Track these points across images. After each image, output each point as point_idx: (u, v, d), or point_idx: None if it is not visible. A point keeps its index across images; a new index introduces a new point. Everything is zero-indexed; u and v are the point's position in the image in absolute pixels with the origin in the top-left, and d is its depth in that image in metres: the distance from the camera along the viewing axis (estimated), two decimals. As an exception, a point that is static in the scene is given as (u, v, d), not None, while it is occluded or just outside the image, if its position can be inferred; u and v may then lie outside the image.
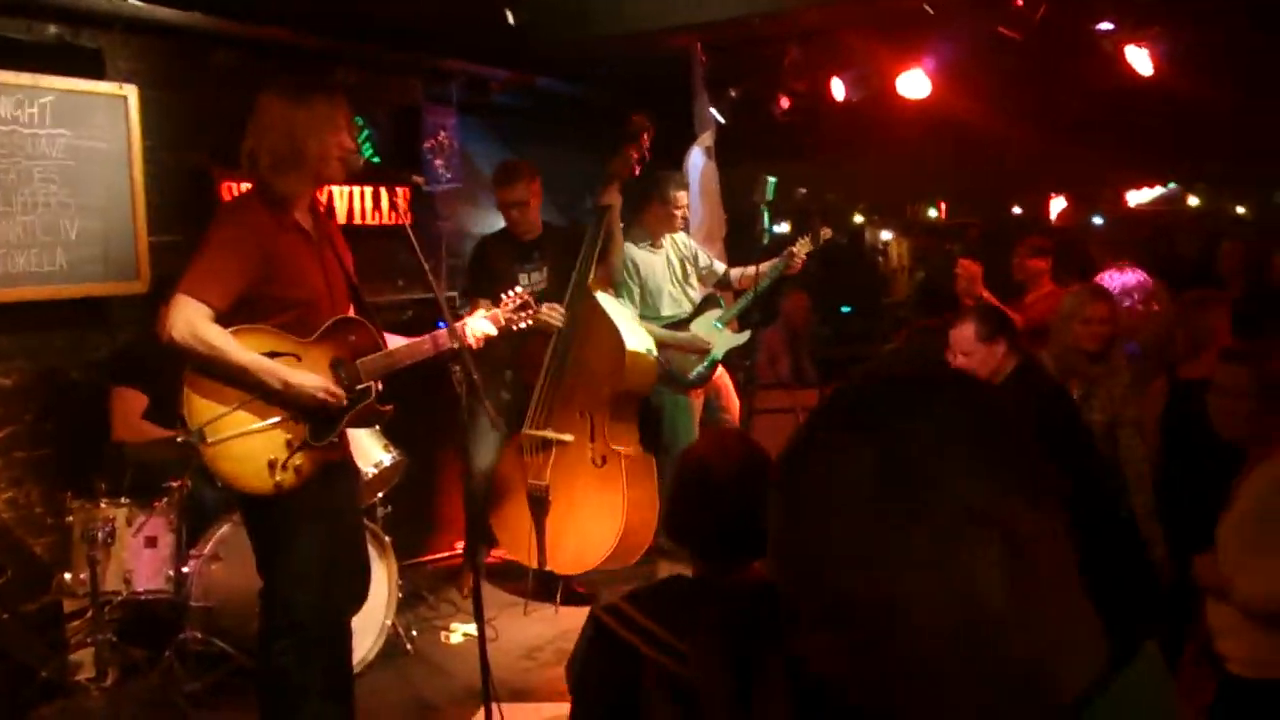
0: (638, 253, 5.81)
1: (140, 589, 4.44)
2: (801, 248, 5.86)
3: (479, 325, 3.83)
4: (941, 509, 0.83)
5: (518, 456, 5.52)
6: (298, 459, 3.32)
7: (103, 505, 4.43)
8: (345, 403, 3.39)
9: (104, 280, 5.08)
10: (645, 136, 5.40)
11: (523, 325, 4.13)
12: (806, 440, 0.89)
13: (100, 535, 4.33)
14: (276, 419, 3.31)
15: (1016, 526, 0.83)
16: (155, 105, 5.34)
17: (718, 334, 5.89)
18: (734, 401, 6.22)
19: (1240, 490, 3.08)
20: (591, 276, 5.39)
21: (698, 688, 2.03)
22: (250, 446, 3.28)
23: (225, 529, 4.58)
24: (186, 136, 5.56)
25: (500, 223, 5.80)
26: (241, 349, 3.23)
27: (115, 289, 5.13)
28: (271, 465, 3.28)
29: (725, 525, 2.16)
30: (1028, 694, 0.83)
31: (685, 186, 5.93)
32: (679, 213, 5.84)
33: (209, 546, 4.54)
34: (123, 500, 4.47)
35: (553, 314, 5.27)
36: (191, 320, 3.17)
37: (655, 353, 5.50)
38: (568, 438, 5.40)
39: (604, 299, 5.50)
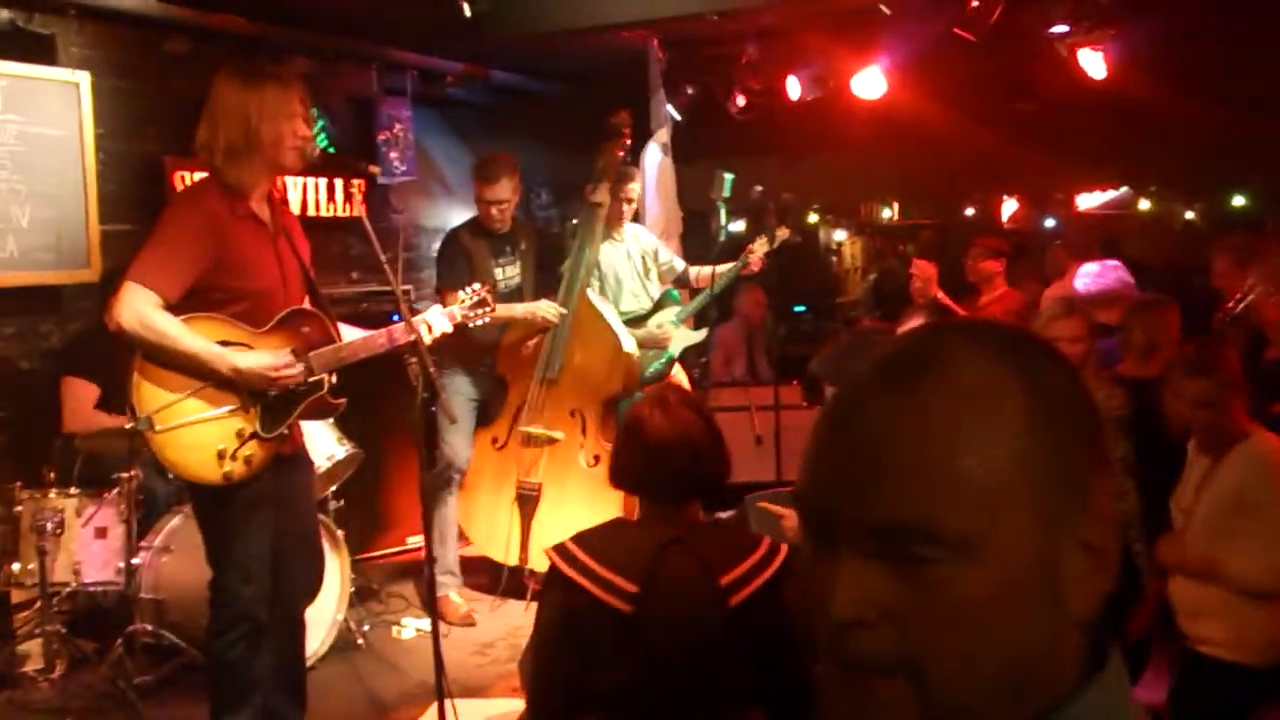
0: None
1: (89, 580, 4.41)
2: (760, 247, 5.89)
3: (435, 321, 3.81)
4: (1071, 469, 0.79)
5: (491, 451, 5.50)
6: (248, 450, 3.30)
7: (52, 495, 4.39)
8: (299, 377, 3.37)
9: (55, 269, 5.03)
10: (627, 132, 5.50)
11: (479, 323, 4.12)
12: (936, 356, 0.80)
13: (49, 526, 4.29)
14: (227, 408, 3.29)
15: (1099, 515, 0.80)
16: (108, 93, 5.30)
17: (675, 331, 5.91)
18: None
19: (1214, 472, 3.18)
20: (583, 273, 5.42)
21: (638, 624, 2.28)
22: (200, 435, 3.25)
23: (176, 521, 4.55)
24: (139, 125, 5.52)
25: (460, 215, 5.77)
26: (190, 336, 3.20)
27: (67, 278, 5.08)
28: (221, 455, 3.25)
29: (673, 473, 2.45)
30: (1007, 692, 0.79)
31: (634, 178, 5.93)
32: (628, 205, 5.85)
33: (159, 538, 4.50)
34: (72, 490, 4.43)
35: (549, 311, 5.28)
36: (139, 308, 3.14)
37: (638, 353, 5.53)
38: (559, 435, 5.40)
39: (595, 298, 5.52)
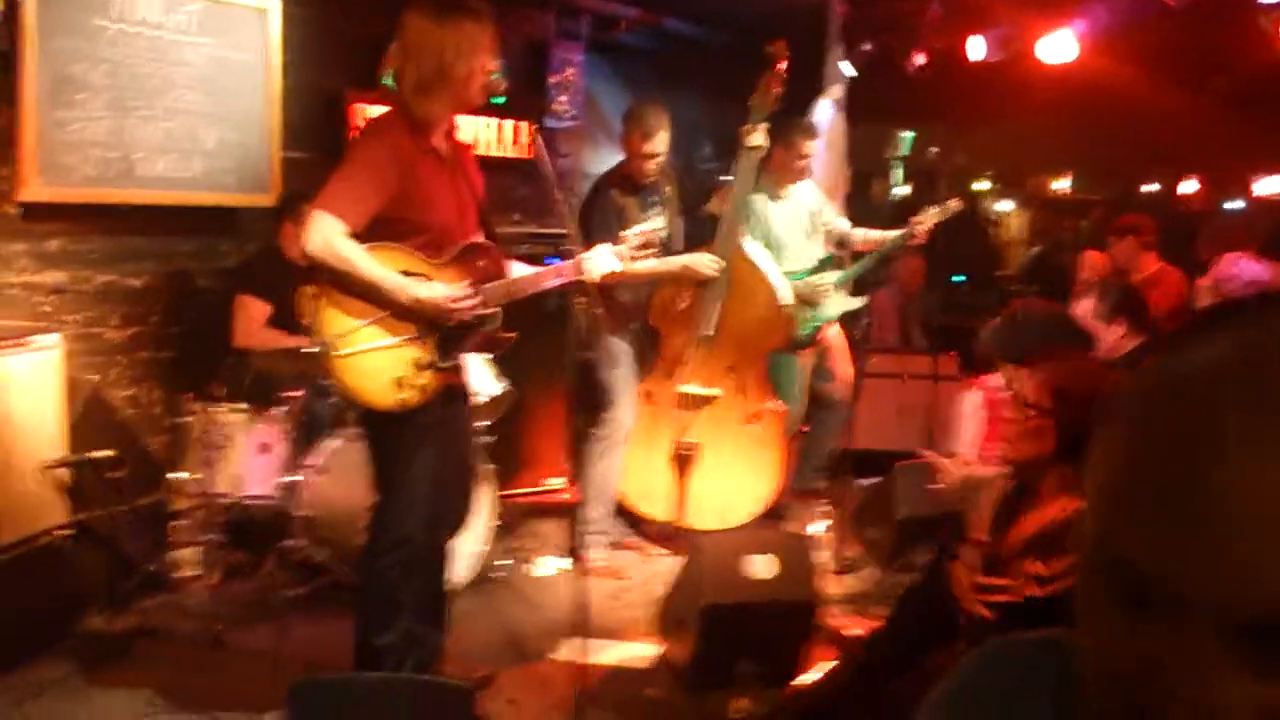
0: (764, 203, 5.68)
1: (249, 494, 4.56)
2: (929, 218, 5.68)
3: (602, 260, 3.80)
4: None
5: (643, 406, 5.38)
6: (423, 378, 3.35)
7: (222, 409, 4.54)
8: (475, 309, 3.40)
9: (237, 191, 5.19)
10: (781, 63, 5.16)
11: (645, 264, 4.10)
12: None
13: (217, 438, 4.45)
14: (405, 336, 3.35)
15: None
16: (296, 21, 5.41)
17: (833, 295, 5.79)
18: (843, 367, 6.08)
19: None
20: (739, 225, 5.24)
21: None
22: (378, 362, 3.32)
23: (337, 443, 4.65)
24: (322, 56, 5.64)
25: (610, 161, 5.66)
26: (374, 264, 3.26)
27: (247, 200, 5.24)
28: (397, 382, 3.31)
29: None
30: None
31: (814, 135, 5.74)
32: (803, 162, 5.67)
33: (319, 459, 4.62)
34: (241, 406, 4.58)
35: (709, 266, 5.13)
36: (328, 235, 3.20)
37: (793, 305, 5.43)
38: (717, 392, 5.29)
39: (752, 248, 5.37)
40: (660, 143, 5.06)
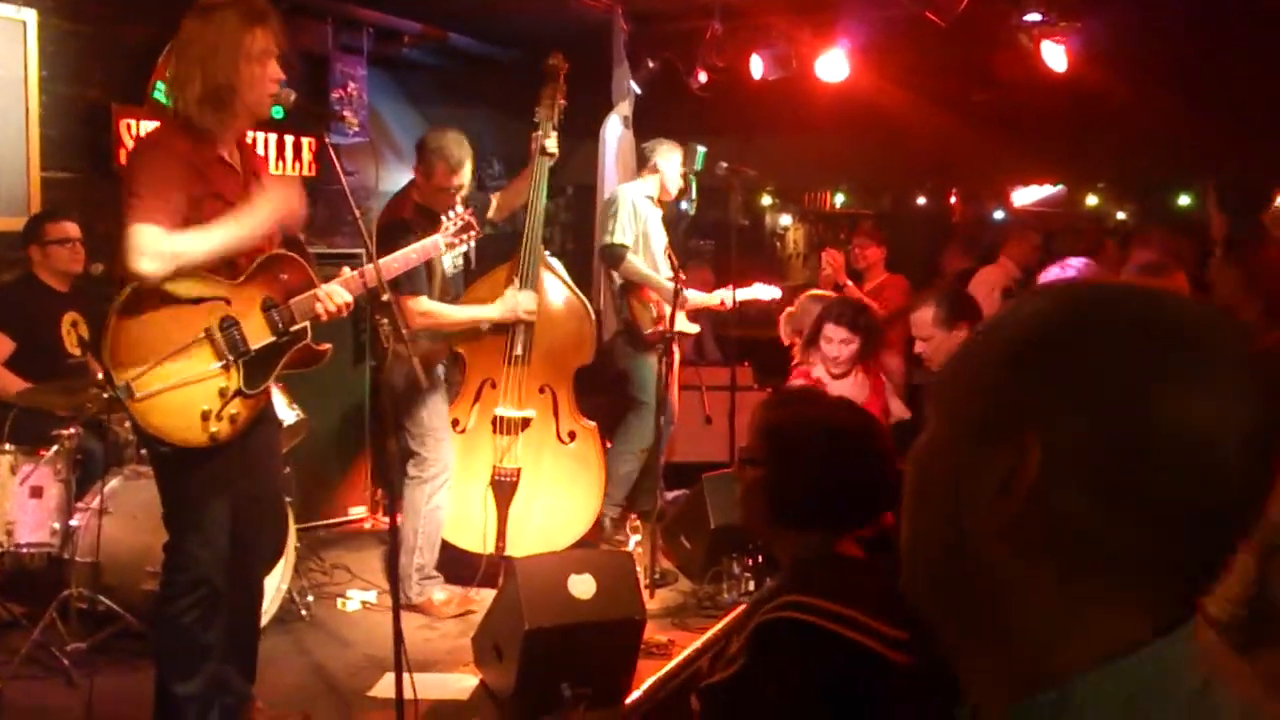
0: (651, 208, 5.79)
1: (23, 541, 4.20)
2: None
3: (424, 248, 3.68)
4: None
5: (457, 435, 5.14)
6: (232, 408, 3.14)
7: (-16, 452, 4.16)
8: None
9: (-8, 214, 4.79)
10: (562, 76, 5.17)
11: (464, 247, 4.05)
12: None
13: (-19, 483, 4.07)
14: (209, 367, 3.13)
15: None
16: (54, 33, 5.05)
17: None
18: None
19: None
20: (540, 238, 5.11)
21: (914, 674, 1.84)
22: (182, 398, 3.09)
23: (115, 482, 4.36)
24: (85, 69, 5.28)
25: (398, 178, 5.43)
26: (207, 233, 3.06)
27: (3, 225, 4.83)
28: (205, 416, 3.09)
29: (891, 484, 1.98)
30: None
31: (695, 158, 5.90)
32: (675, 186, 5.90)
33: (97, 500, 4.29)
34: (7, 448, 4.22)
35: (528, 308, 5.00)
36: (155, 242, 2.96)
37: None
38: (532, 414, 5.13)
39: (552, 260, 5.29)
40: (466, 174, 4.84)
